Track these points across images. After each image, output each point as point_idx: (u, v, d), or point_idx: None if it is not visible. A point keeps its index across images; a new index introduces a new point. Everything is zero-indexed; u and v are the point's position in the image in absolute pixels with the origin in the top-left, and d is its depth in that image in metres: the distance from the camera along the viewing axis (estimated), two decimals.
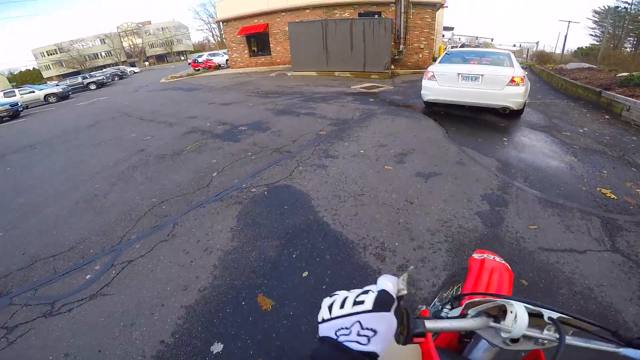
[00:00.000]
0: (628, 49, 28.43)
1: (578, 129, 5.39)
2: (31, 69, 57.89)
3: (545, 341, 0.54)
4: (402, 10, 14.61)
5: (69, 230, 3.11)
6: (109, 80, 27.81)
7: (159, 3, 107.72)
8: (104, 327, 1.92)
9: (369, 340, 0.39)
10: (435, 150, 4.09)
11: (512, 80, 5.10)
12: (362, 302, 0.42)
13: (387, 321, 0.41)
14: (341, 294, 0.44)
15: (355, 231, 2.63)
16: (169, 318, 1.93)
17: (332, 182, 3.44)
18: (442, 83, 5.64)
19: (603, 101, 7.82)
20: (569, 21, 32.09)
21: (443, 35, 32.36)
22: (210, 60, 24.48)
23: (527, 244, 2.39)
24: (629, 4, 28.10)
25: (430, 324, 0.50)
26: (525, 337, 0.54)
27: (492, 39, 44.76)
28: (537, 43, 41.26)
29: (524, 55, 36.03)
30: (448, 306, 0.79)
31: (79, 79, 24.58)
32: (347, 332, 0.40)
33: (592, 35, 35.51)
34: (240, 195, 3.34)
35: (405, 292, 0.46)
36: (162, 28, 59.30)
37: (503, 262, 1.04)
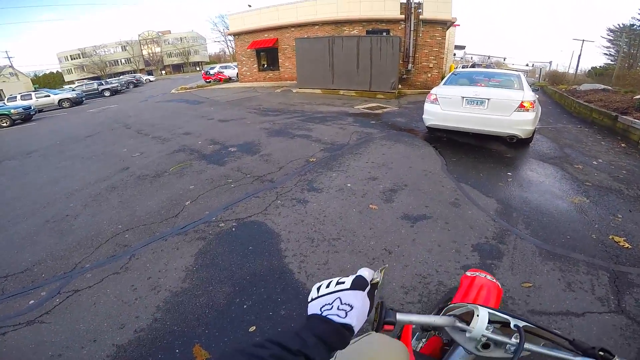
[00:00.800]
0: None
1: (592, 160, 4.97)
2: (55, 72, 60.29)
3: (512, 347, 0.58)
4: (412, 28, 14.49)
5: (29, 251, 3.02)
6: (124, 87, 28.55)
7: (179, 13, 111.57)
8: (32, 354, 1.89)
9: (346, 314, 0.48)
10: (430, 187, 3.74)
11: (521, 106, 4.74)
12: (343, 283, 0.52)
13: (361, 298, 0.50)
14: (328, 280, 0.55)
15: None
16: (98, 355, 1.86)
17: (309, 221, 3.12)
18: (445, 107, 5.32)
19: (619, 127, 7.33)
20: (583, 40, 31.32)
21: (454, 54, 32.19)
22: (222, 73, 24.83)
23: (516, 306, 2.04)
24: None
25: (400, 316, 0.56)
26: (495, 344, 0.60)
27: (504, 58, 44.26)
28: (550, 62, 40.51)
29: (537, 76, 35.36)
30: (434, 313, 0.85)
31: (94, 85, 25.26)
32: (329, 307, 0.49)
33: (606, 54, 34.47)
34: (206, 230, 3.06)
35: (378, 280, 0.55)
36: (180, 38, 61.11)
37: (494, 280, 1.09)
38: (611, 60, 32.19)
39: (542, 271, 2.37)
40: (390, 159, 4.68)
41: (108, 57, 58.45)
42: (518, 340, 0.56)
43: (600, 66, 32.40)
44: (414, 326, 0.82)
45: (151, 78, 42.38)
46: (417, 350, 1.05)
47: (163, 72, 60.59)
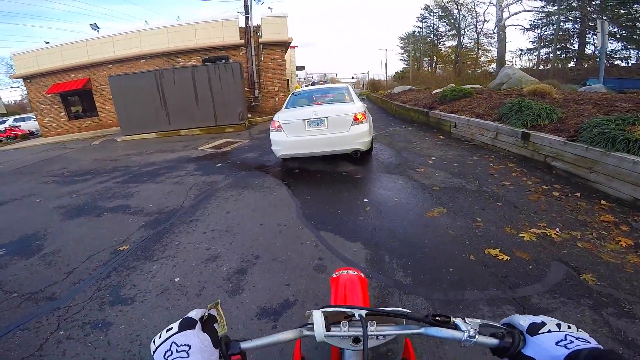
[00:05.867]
0: (426, 68, 36.14)
1: (427, 160, 5.35)
2: None
3: (380, 337, 0.62)
4: (253, 53, 14.22)
5: None
6: None
7: None
8: None
9: (188, 354, 0.49)
10: (287, 249, 2.90)
11: (355, 118, 4.70)
12: (171, 328, 0.54)
13: (195, 336, 0.52)
14: (160, 332, 0.54)
15: None
16: None
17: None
18: (290, 134, 4.85)
19: (432, 120, 8.66)
20: (386, 49, 39.62)
21: (297, 75, 34.73)
22: (17, 127, 18.69)
23: None
24: (420, 27, 35.84)
25: (245, 344, 0.57)
26: (372, 336, 0.61)
27: (336, 74, 51.27)
28: (368, 73, 49.10)
29: (361, 86, 41.93)
30: None
31: None
32: (170, 353, 0.50)
33: (402, 59, 42.31)
34: None
35: (212, 314, 0.58)
36: None
37: (356, 272, 1.16)
38: (406, 64, 40.23)
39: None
40: (236, 219, 3.64)
41: None
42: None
43: (400, 70, 40.40)
44: None
45: None
46: None
47: None
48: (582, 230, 2.87)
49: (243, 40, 14.19)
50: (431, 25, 35.05)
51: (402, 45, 40.41)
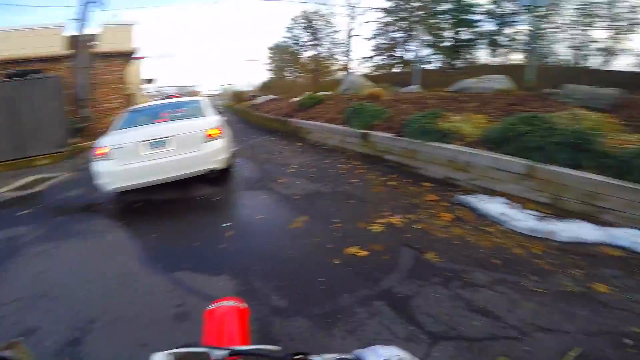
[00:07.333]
0: (289, 77, 38.42)
1: (287, 169, 5.37)
2: None
3: None
4: (84, 65, 11.45)
5: None
6: None
7: None
8: None
9: None
10: (134, 304, 2.24)
11: (208, 135, 4.27)
12: None
13: None
14: None
15: None
16: None
17: None
18: (122, 161, 3.96)
19: (291, 129, 9.04)
20: (253, 60, 39.94)
21: (145, 89, 30.41)
22: None
23: None
24: (288, 38, 37.64)
25: None
26: None
27: (195, 86, 47.92)
28: (233, 84, 48.34)
29: (226, 98, 40.89)
30: None
31: None
32: None
33: (270, 69, 44.10)
34: None
35: None
36: None
37: (236, 303, 1.04)
38: (274, 74, 41.42)
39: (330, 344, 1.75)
40: (54, 279, 2.66)
41: None
42: None
43: (267, 80, 41.42)
44: None
45: None
46: None
47: None
48: (416, 212, 3.32)
49: (70, 51, 11.44)
50: (296, 35, 37.08)
51: (270, 55, 41.37)
